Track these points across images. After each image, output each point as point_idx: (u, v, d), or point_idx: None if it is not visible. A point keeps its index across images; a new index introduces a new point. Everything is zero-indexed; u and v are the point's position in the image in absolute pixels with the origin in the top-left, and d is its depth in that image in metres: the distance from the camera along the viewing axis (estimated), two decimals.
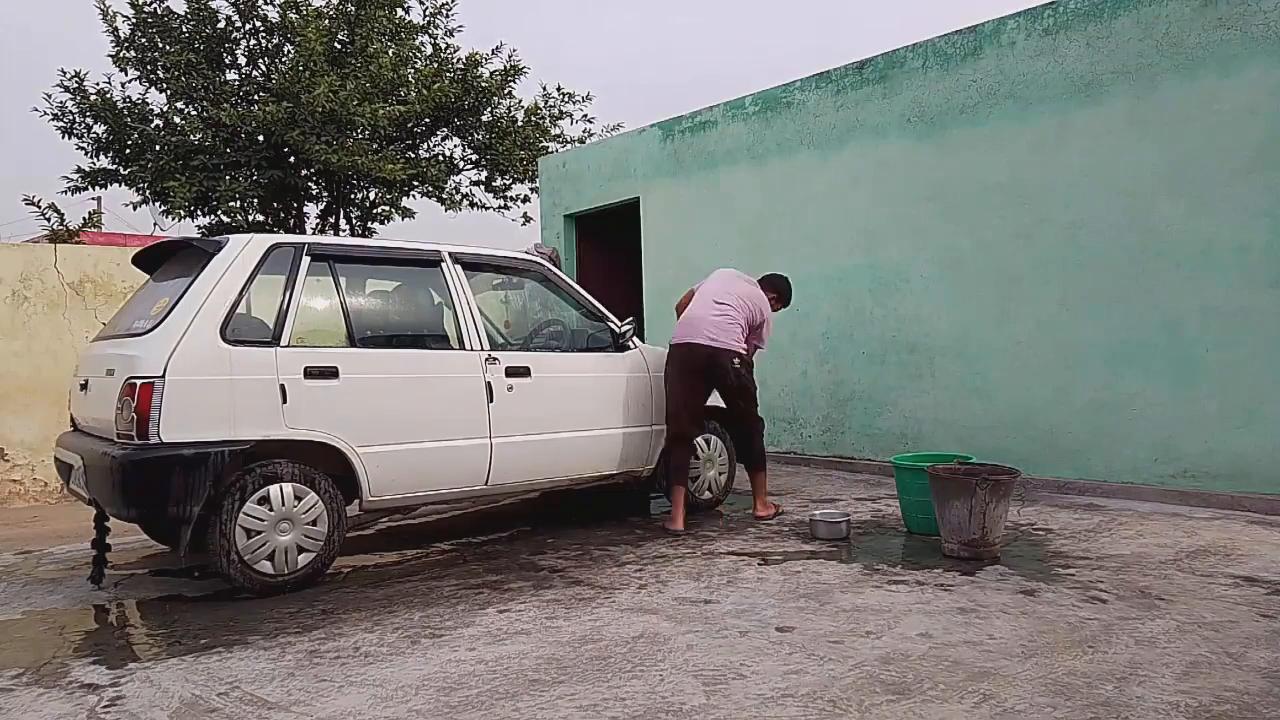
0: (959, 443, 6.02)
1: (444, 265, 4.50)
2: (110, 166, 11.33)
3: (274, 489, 3.72)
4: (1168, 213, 5.21)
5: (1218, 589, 3.46)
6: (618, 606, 3.45)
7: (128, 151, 11.11)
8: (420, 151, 12.83)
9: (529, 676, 2.74)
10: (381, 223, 12.87)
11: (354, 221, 12.66)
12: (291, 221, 11.97)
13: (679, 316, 5.16)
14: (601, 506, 5.39)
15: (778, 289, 5.44)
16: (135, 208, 11.72)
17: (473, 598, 3.64)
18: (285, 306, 3.90)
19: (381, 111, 10.69)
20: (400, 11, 11.90)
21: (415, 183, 12.25)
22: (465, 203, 13.08)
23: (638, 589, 3.70)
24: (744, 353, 5.01)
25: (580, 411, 4.80)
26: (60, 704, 2.64)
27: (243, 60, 11.69)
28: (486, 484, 4.43)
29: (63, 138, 11.06)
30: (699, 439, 5.31)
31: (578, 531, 4.89)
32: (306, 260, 4.04)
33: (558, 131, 13.27)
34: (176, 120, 10.96)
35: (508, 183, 13.25)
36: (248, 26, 11.44)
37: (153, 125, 11.01)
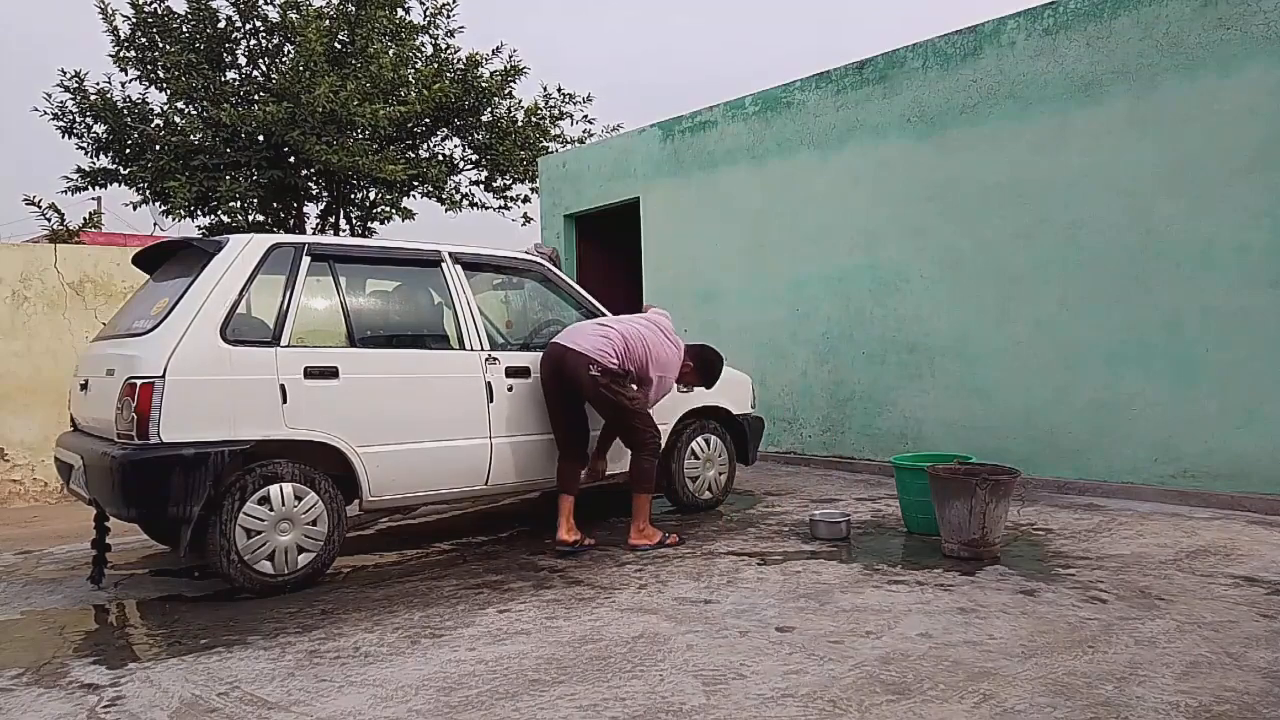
0: (959, 443, 6.02)
1: (444, 265, 4.50)
2: (110, 166, 11.32)
3: (274, 489, 3.72)
4: (1168, 213, 5.21)
5: (1218, 589, 3.46)
6: (618, 606, 3.45)
7: (128, 151, 11.10)
8: (420, 152, 12.84)
9: (529, 676, 2.74)
10: (381, 223, 12.87)
11: (354, 221, 12.66)
12: (291, 221, 11.97)
13: None
14: (601, 506, 5.39)
15: (698, 361, 4.84)
16: (135, 208, 11.73)
17: (473, 598, 3.64)
18: (285, 306, 3.90)
19: (382, 112, 10.69)
20: (400, 12, 11.90)
21: (415, 183, 12.25)
22: (465, 203, 13.09)
23: (638, 589, 3.70)
24: (611, 368, 4.39)
25: None
26: (60, 704, 2.64)
27: (243, 60, 11.69)
28: (486, 484, 4.43)
29: (63, 138, 11.06)
30: (699, 439, 5.31)
31: None
32: (306, 260, 4.04)
33: (558, 132, 13.28)
34: (176, 120, 10.95)
35: (508, 183, 13.26)
36: (248, 26, 11.43)
37: (153, 125, 11.01)
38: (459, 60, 12.35)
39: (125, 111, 11.00)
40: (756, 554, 4.26)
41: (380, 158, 11.07)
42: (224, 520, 3.61)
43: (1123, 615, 3.17)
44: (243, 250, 3.88)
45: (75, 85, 10.82)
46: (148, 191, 11.12)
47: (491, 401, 4.39)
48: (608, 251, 9.47)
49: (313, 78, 10.41)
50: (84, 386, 4.10)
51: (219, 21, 11.17)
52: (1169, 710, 2.38)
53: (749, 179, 7.63)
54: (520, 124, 12.83)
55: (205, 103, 10.94)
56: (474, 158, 13.02)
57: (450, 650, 2.99)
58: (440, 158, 12.81)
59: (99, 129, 11.06)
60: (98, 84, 11.01)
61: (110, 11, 10.80)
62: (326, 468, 3.90)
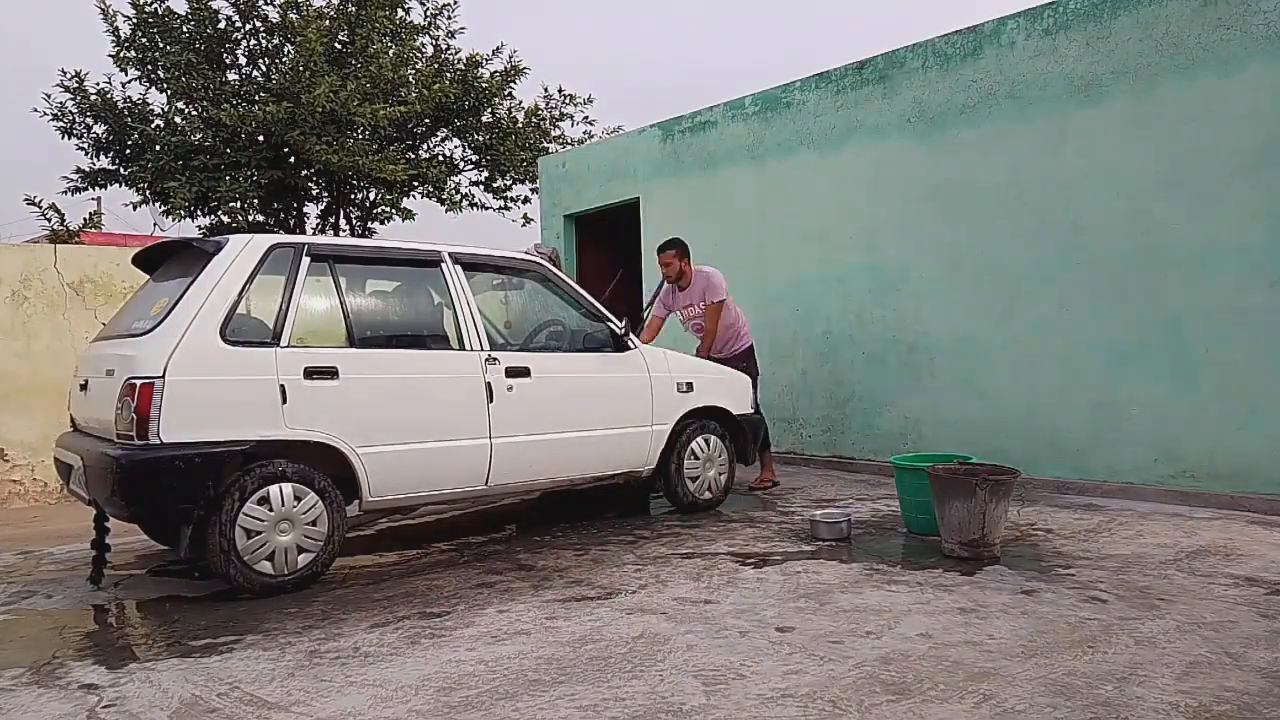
0: (959, 443, 6.01)
1: (444, 265, 4.50)
2: (110, 166, 11.34)
3: (274, 489, 3.72)
4: (1168, 213, 5.21)
5: (1218, 589, 3.46)
6: (617, 607, 3.45)
7: (128, 151, 11.12)
8: (420, 152, 12.84)
9: (529, 676, 2.73)
10: (382, 223, 12.88)
11: (354, 222, 12.67)
12: (291, 222, 11.98)
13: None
14: (602, 506, 5.39)
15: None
16: (135, 208, 11.74)
17: (473, 598, 3.64)
18: (285, 307, 3.89)
19: (382, 112, 10.69)
20: (401, 12, 11.91)
21: (415, 183, 12.26)
22: (465, 203, 13.10)
23: (638, 589, 3.70)
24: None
25: (580, 411, 4.79)
26: (60, 704, 2.64)
27: (243, 60, 11.70)
28: (486, 484, 4.43)
29: (63, 138, 11.07)
30: (699, 439, 5.30)
31: (577, 531, 4.89)
32: (306, 260, 4.03)
33: (558, 133, 13.29)
34: (177, 120, 10.96)
35: (508, 183, 13.27)
36: (248, 26, 11.44)
37: (153, 125, 11.02)
38: (459, 60, 12.36)
39: (125, 112, 11.01)
40: (756, 554, 4.26)
41: (380, 158, 11.08)
42: (224, 520, 3.60)
43: (1123, 615, 3.17)
44: (242, 250, 3.88)
45: (75, 85, 10.82)
46: (148, 192, 11.13)
47: (491, 402, 4.38)
48: (608, 251, 9.47)
49: (313, 78, 10.41)
50: (84, 387, 4.09)
51: (219, 22, 11.18)
52: (1169, 710, 2.38)
53: (749, 179, 7.62)
54: (521, 124, 12.84)
55: (205, 103, 10.94)
56: (474, 158, 13.03)
57: (450, 650, 2.99)
58: (440, 158, 12.82)
59: (99, 129, 11.07)
60: (98, 84, 11.02)
61: (110, 12, 10.81)
62: (326, 468, 3.90)
